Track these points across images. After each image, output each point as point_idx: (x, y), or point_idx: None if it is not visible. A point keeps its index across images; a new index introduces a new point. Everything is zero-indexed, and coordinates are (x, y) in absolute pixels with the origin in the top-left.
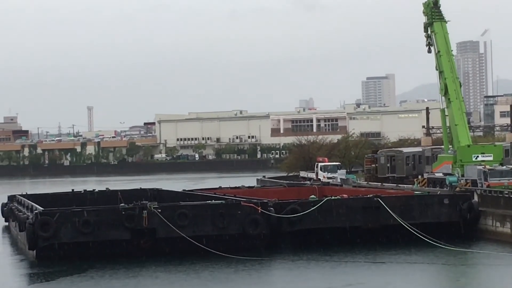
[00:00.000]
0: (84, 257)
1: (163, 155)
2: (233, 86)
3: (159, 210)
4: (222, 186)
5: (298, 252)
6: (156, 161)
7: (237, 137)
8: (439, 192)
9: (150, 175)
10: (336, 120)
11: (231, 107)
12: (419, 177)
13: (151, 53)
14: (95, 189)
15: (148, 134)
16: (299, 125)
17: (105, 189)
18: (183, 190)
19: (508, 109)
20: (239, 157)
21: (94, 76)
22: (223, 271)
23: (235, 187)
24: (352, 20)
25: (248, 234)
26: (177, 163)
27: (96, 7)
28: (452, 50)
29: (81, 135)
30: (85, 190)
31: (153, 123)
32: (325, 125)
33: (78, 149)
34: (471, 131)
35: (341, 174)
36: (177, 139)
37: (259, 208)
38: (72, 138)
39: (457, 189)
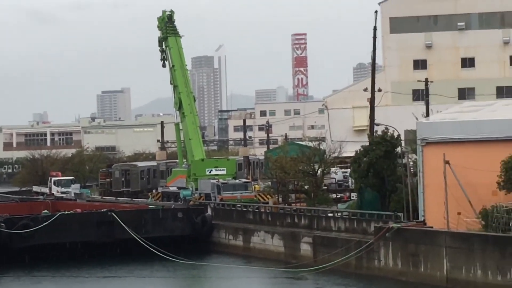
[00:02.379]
0: None
1: None
2: None
3: None
4: None
5: (30, 269)
6: None
7: None
8: (173, 206)
9: None
10: (71, 134)
11: None
12: (154, 191)
13: None
14: None
15: None
16: (32, 139)
17: None
18: None
19: (241, 123)
20: None
21: None
22: None
23: None
24: (88, 35)
25: None
26: None
27: None
28: (186, 65)
29: None
30: None
31: None
32: (60, 139)
33: None
34: (205, 145)
35: (75, 188)
36: None
37: None
38: None
39: (191, 202)
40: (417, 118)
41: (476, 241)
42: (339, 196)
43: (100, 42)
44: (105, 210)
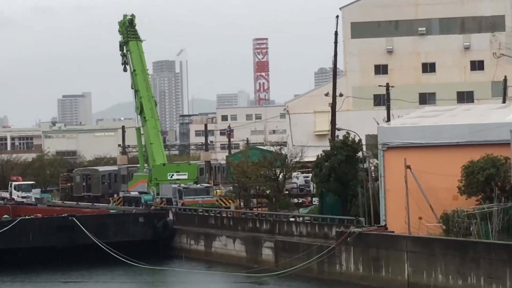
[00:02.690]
0: None
1: None
2: None
3: None
4: None
5: None
6: None
7: None
8: (134, 210)
9: None
10: (32, 138)
11: None
12: (115, 195)
13: None
14: None
15: None
16: None
17: None
18: None
19: (203, 128)
20: None
21: None
22: None
23: None
24: (48, 38)
25: None
26: None
27: None
28: (147, 69)
29: None
30: None
31: None
32: (20, 143)
33: None
34: (166, 150)
35: (35, 193)
36: None
37: None
38: None
39: (152, 207)
40: (378, 123)
41: (437, 246)
42: (300, 201)
43: (61, 46)
44: (66, 215)
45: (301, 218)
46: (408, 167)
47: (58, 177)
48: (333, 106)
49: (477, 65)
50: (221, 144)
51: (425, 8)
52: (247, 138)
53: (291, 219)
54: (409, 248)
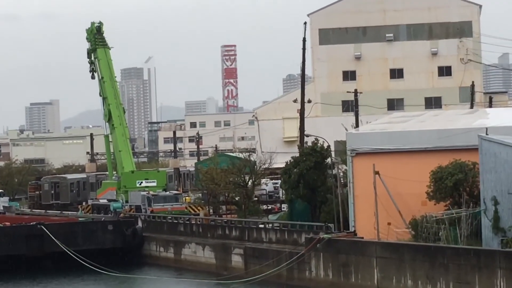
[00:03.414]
0: None
1: None
2: None
3: None
4: None
5: None
6: None
7: None
8: (103, 218)
9: None
10: None
11: None
12: (84, 203)
13: None
14: None
15: None
16: None
17: None
18: None
19: (172, 135)
20: None
21: None
22: None
23: None
24: (14, 46)
25: None
26: None
27: None
28: (116, 76)
29: None
30: None
31: None
32: None
33: None
34: (135, 157)
35: (3, 201)
36: None
37: None
38: None
39: (121, 215)
40: (346, 129)
41: (406, 251)
42: (269, 207)
43: (28, 54)
44: (34, 223)
45: (270, 225)
46: (377, 173)
47: (27, 185)
48: (302, 112)
49: (444, 71)
50: (190, 151)
51: (393, 14)
52: (216, 145)
53: (261, 225)
54: (378, 253)
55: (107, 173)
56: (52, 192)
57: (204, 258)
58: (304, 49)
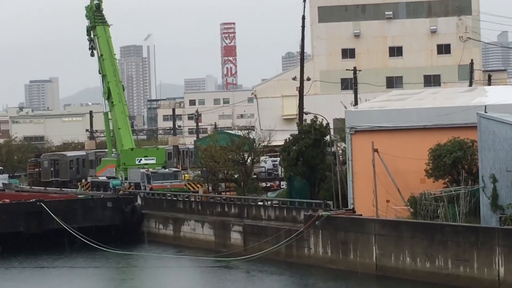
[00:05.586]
0: None
1: None
2: None
3: None
4: None
5: None
6: None
7: None
8: (102, 195)
9: None
10: None
11: None
12: (83, 180)
13: None
14: None
15: None
16: None
17: None
18: None
19: (171, 112)
20: None
21: None
22: None
23: None
24: (14, 24)
25: None
26: None
27: None
28: (115, 54)
29: None
30: None
31: None
32: None
33: None
34: (134, 134)
35: (3, 179)
36: None
37: None
38: None
39: (121, 192)
40: (345, 107)
41: (405, 229)
42: (269, 185)
43: (28, 31)
44: (34, 200)
45: (269, 202)
46: (376, 150)
47: (26, 163)
48: (301, 90)
49: (443, 49)
50: (189, 129)
51: None
52: (215, 123)
53: (260, 203)
54: (377, 231)
55: (106, 150)
56: (52, 169)
57: (203, 235)
58: (303, 26)
